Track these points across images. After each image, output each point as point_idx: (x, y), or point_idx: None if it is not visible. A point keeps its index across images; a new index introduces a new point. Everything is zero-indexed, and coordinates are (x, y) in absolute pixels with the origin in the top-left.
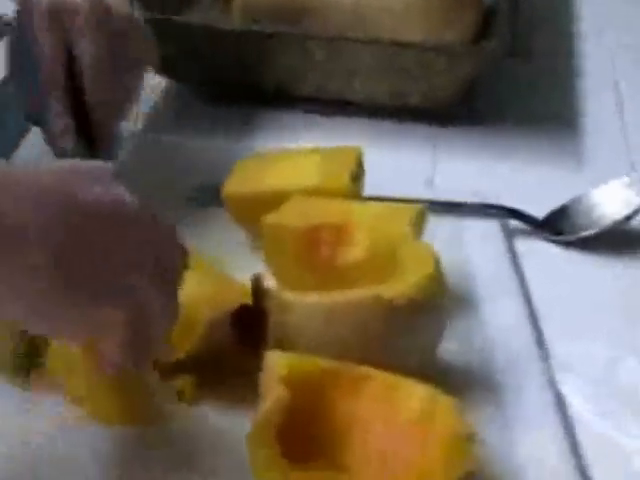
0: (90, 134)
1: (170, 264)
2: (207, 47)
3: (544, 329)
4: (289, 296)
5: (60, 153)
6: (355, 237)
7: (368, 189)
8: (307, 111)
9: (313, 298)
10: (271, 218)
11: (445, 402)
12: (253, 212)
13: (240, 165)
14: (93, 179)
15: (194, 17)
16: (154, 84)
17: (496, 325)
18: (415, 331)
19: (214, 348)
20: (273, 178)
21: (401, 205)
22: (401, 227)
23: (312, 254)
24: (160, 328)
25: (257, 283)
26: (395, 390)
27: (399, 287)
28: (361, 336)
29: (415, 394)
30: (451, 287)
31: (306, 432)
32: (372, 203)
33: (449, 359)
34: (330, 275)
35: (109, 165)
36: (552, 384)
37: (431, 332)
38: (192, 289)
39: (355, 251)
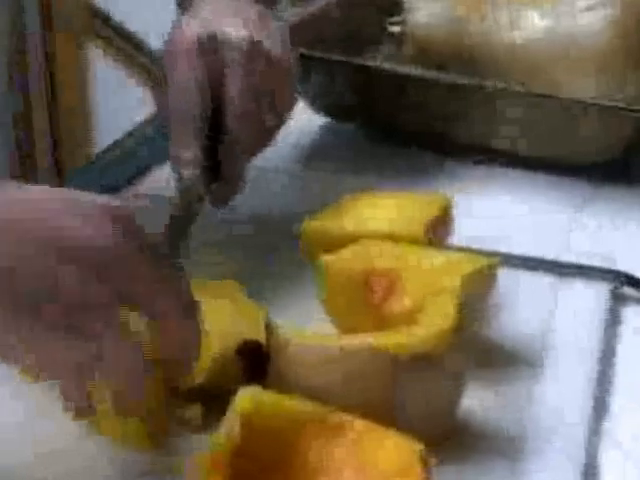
0: (217, 170)
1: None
2: (387, 92)
3: (617, 402)
4: (287, 335)
5: (181, 184)
6: (406, 286)
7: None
8: (476, 162)
9: (308, 340)
10: (330, 257)
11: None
12: (322, 250)
13: (333, 204)
14: (85, 216)
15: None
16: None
17: (551, 391)
18: (418, 388)
19: (222, 380)
20: (352, 219)
21: (467, 257)
22: (454, 280)
23: (365, 298)
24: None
25: (267, 318)
26: (372, 440)
27: (401, 339)
28: (358, 387)
29: (392, 445)
30: (517, 346)
31: (266, 474)
32: (439, 253)
33: (487, 423)
34: (380, 321)
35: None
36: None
37: (440, 392)
38: (217, 317)
39: (403, 300)
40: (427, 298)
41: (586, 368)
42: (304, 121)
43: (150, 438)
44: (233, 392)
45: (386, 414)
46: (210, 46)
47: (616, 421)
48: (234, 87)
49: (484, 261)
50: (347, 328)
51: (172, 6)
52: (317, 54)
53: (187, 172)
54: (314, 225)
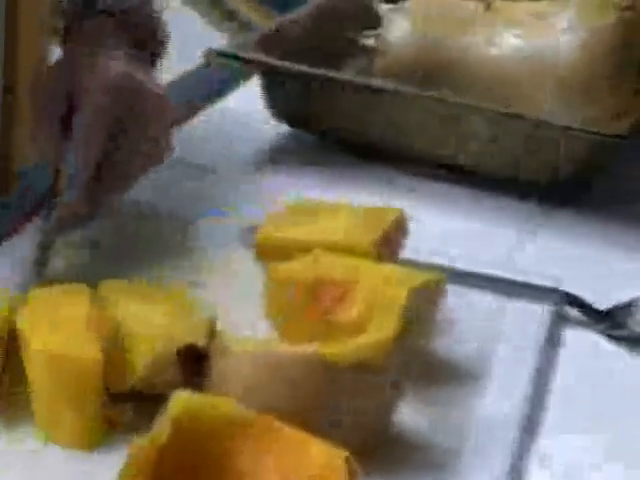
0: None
1: None
2: (356, 105)
3: (549, 421)
4: (228, 340)
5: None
6: (353, 297)
7: (430, 253)
8: (416, 173)
9: (248, 346)
10: (278, 266)
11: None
12: (276, 258)
13: (288, 209)
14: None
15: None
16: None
17: (486, 407)
18: (350, 397)
19: (160, 383)
20: (305, 228)
21: (418, 272)
22: (401, 292)
23: (311, 307)
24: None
25: (209, 323)
26: (298, 446)
27: (336, 347)
28: (291, 393)
29: (318, 452)
30: (456, 361)
31: (194, 478)
32: (389, 266)
33: (420, 435)
34: (326, 331)
35: None
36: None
37: (373, 402)
38: (153, 320)
39: (349, 311)
40: (373, 310)
41: (523, 386)
42: (268, 128)
43: (87, 438)
44: (170, 395)
45: (318, 422)
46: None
47: (547, 440)
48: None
49: (431, 276)
50: (292, 338)
51: None
52: (277, 63)
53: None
54: (264, 233)
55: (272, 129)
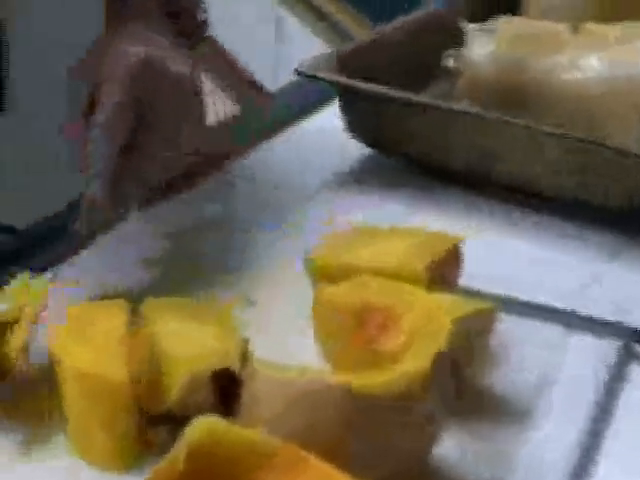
0: None
1: None
2: (434, 127)
3: (605, 467)
4: (259, 364)
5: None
6: (398, 325)
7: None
8: (496, 198)
9: (274, 372)
10: (325, 289)
11: None
12: (328, 280)
13: (348, 231)
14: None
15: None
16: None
17: (537, 446)
18: (381, 430)
19: (193, 406)
20: (358, 252)
21: (470, 300)
22: (446, 321)
23: (357, 333)
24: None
25: (243, 345)
26: (325, 478)
27: (370, 377)
28: (317, 424)
29: None
30: (512, 395)
31: None
32: (440, 294)
33: (460, 473)
34: (370, 358)
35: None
36: None
37: (406, 436)
38: (192, 340)
39: (393, 340)
40: (415, 339)
41: (580, 426)
42: (352, 148)
43: (119, 459)
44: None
45: (346, 454)
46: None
47: None
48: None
49: (483, 305)
50: (338, 363)
51: None
52: (356, 84)
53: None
54: (318, 254)
55: (356, 149)
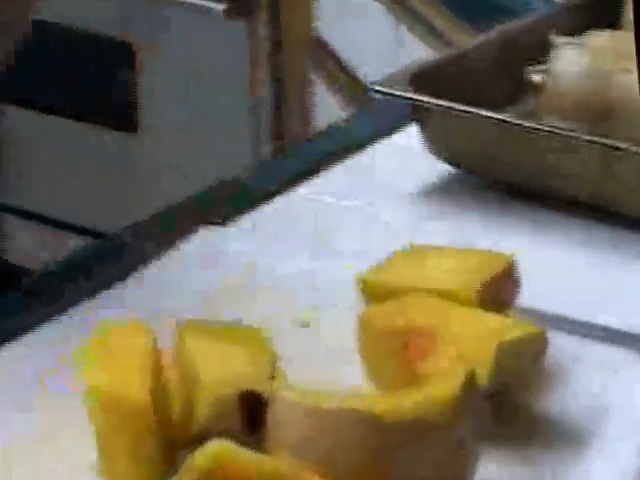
0: None
1: None
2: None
3: None
4: (284, 387)
5: None
6: (442, 348)
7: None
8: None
9: (299, 395)
10: (369, 309)
11: None
12: (378, 301)
13: (399, 253)
14: None
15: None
16: None
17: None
18: (410, 457)
19: (221, 429)
20: (409, 272)
21: (521, 323)
22: (489, 345)
23: (400, 355)
24: None
25: (272, 369)
26: None
27: (390, 403)
28: (340, 449)
29: None
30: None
31: None
32: (490, 315)
33: None
34: (413, 380)
35: None
36: None
37: (439, 463)
38: (222, 362)
39: (437, 362)
40: (459, 362)
41: (633, 452)
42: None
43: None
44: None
45: None
46: None
47: None
48: None
49: (533, 327)
50: (381, 386)
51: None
52: (433, 101)
53: None
54: (370, 274)
55: (434, 168)
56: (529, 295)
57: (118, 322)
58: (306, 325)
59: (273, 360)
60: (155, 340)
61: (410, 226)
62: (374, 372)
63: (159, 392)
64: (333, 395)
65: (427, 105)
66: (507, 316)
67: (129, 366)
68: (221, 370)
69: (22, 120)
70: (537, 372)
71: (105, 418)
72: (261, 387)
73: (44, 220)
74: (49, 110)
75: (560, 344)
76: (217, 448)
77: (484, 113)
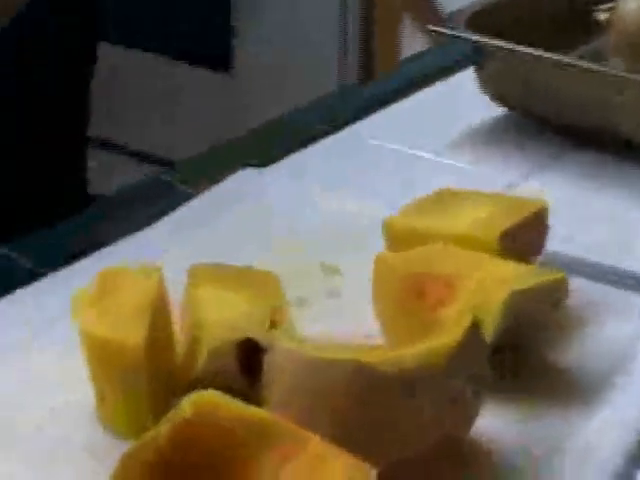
0: None
1: None
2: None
3: None
4: (279, 336)
5: None
6: (458, 295)
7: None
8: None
9: (290, 344)
10: (385, 256)
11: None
12: (399, 248)
13: (427, 197)
14: None
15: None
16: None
17: (592, 434)
18: (397, 410)
19: (219, 376)
20: (432, 217)
21: (534, 270)
22: (502, 294)
23: (415, 303)
24: None
25: (273, 315)
26: (324, 458)
27: (393, 354)
28: (329, 401)
29: (342, 466)
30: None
31: None
32: (510, 263)
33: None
34: (427, 328)
35: None
36: None
37: (437, 414)
38: (228, 308)
39: (451, 310)
40: (469, 312)
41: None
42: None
43: (133, 423)
44: (228, 390)
45: (359, 434)
46: None
47: None
48: None
49: (554, 275)
50: (395, 334)
51: None
52: (485, 40)
53: None
54: (394, 218)
55: (491, 109)
56: (560, 240)
57: (128, 265)
58: (336, 271)
59: (279, 306)
60: (161, 284)
61: (454, 169)
62: (386, 321)
63: (160, 337)
64: (332, 346)
65: (484, 45)
66: (530, 263)
67: (128, 310)
68: (223, 316)
69: (124, 59)
70: (554, 322)
71: (97, 362)
72: (260, 334)
73: (145, 157)
74: (148, 49)
75: (584, 289)
76: (202, 397)
77: (544, 54)
